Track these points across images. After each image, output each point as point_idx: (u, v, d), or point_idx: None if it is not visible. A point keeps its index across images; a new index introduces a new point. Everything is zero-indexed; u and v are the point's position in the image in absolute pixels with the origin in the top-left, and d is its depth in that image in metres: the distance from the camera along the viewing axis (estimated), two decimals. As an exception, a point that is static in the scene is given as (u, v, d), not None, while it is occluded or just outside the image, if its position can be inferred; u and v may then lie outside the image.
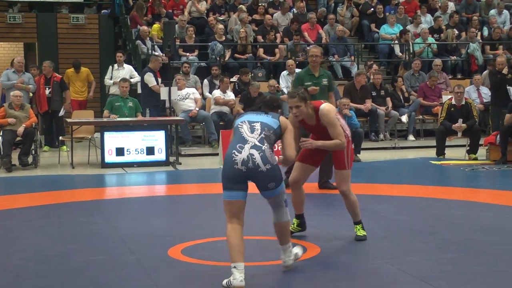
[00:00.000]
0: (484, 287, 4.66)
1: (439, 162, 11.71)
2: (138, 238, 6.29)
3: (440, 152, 12.38)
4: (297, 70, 14.70)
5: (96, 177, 10.74)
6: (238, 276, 4.57)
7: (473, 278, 4.87)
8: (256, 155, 4.80)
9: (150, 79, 13.15)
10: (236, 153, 4.83)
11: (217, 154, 12.36)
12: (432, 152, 12.57)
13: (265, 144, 4.85)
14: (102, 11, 18.51)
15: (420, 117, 14.83)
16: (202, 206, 8.12)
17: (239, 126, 4.96)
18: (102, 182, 10.43)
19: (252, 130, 4.90)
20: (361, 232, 6.02)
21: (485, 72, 15.55)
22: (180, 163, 11.88)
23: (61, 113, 13.42)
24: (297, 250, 5.20)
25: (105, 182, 10.50)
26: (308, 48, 9.35)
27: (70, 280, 4.95)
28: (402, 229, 6.56)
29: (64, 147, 13.07)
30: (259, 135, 4.87)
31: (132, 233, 6.52)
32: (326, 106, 5.82)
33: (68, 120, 12.29)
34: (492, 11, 18.69)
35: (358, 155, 12.40)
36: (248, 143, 4.84)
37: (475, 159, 12.00)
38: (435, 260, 5.36)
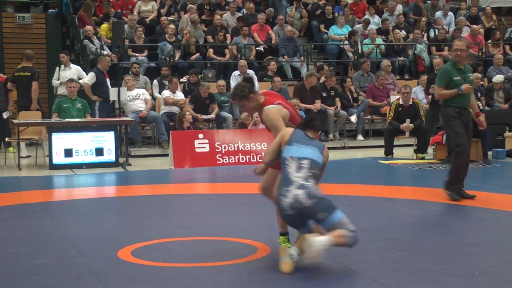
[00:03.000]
0: (431, 284, 4.73)
1: (388, 162, 11.86)
2: (87, 240, 6.22)
3: (389, 152, 12.56)
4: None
5: (43, 179, 10.58)
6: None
7: (420, 276, 4.94)
8: (301, 193, 4.94)
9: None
10: (283, 198, 4.97)
11: (167, 155, 12.30)
12: (381, 152, 12.74)
13: (310, 181, 5.01)
14: (49, 11, 18.20)
15: (369, 117, 15.01)
16: (152, 207, 8.06)
17: (286, 162, 5.07)
18: (50, 184, 10.28)
19: (300, 168, 5.03)
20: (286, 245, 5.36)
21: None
22: (130, 164, 11.79)
23: (6, 115, 13.16)
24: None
25: (53, 184, 10.36)
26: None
27: (17, 284, 4.86)
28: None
29: (11, 148, 12.84)
30: (306, 173, 5.02)
31: (81, 235, 6.45)
32: (266, 111, 5.41)
33: (15, 121, 12.08)
34: (438, 13, 19.07)
35: (308, 155, 12.49)
36: (293, 184, 4.98)
37: (423, 158, 12.20)
38: (383, 259, 5.43)
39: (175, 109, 13.70)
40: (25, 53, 13.61)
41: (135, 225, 7.01)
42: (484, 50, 17.72)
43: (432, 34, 18.15)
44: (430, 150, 12.46)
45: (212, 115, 13.60)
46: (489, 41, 18.37)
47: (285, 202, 4.94)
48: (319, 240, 4.84)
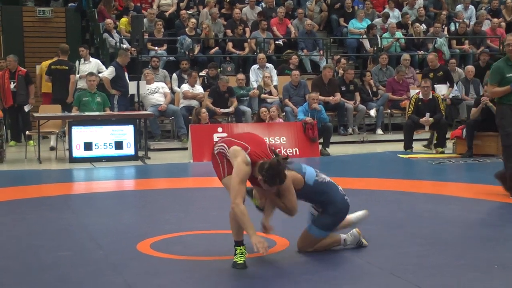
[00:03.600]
0: (450, 279, 4.72)
1: (407, 156, 11.81)
2: (106, 233, 6.25)
3: (408, 146, 12.50)
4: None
5: (64, 172, 10.65)
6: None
7: (439, 270, 4.93)
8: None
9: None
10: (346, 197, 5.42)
11: (186, 149, 12.33)
12: (400, 146, 12.68)
13: None
14: (69, 5, 18.32)
15: (388, 111, 14.94)
16: (171, 200, 8.10)
17: (323, 178, 5.34)
18: (70, 177, 10.35)
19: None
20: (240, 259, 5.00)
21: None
22: (149, 158, 11.84)
23: (27, 108, 13.29)
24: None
25: (73, 177, 10.42)
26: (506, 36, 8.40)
27: (38, 276, 4.91)
28: (370, 222, 6.59)
29: (31, 141, 12.94)
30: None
31: (100, 228, 6.49)
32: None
33: (35, 114, 12.16)
34: (459, 7, 18.93)
35: (327, 149, 12.48)
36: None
37: (442, 152, 12.13)
38: (402, 253, 5.41)
39: (194, 103, 13.72)
40: (61, 47, 13.74)
41: (154, 218, 7.04)
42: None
43: (452, 28, 18.02)
44: (450, 144, 12.38)
45: (231, 109, 13.61)
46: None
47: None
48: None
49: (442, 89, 14.27)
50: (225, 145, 5.02)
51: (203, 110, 12.63)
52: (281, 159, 4.89)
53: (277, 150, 5.09)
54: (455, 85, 15.02)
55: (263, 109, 12.66)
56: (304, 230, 5.40)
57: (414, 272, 4.86)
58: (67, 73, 13.30)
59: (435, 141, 12.49)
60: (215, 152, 5.10)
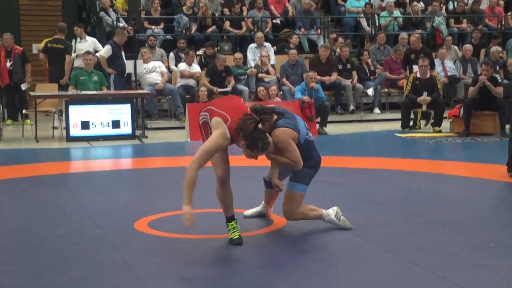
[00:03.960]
0: (447, 257, 4.73)
1: (404, 135, 11.82)
2: (104, 212, 6.26)
3: (405, 125, 12.51)
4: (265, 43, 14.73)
5: (61, 151, 10.64)
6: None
7: (437, 248, 4.94)
8: None
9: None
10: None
11: (183, 128, 12.32)
12: (398, 125, 12.68)
13: None
14: (66, -17, 18.20)
15: (386, 90, 14.92)
16: (169, 179, 8.09)
17: (309, 136, 5.35)
18: (67, 156, 10.34)
19: None
20: (234, 234, 5.10)
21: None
22: (146, 137, 11.83)
23: (24, 86, 13.24)
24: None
25: (70, 156, 10.41)
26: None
27: (35, 254, 4.91)
28: (367, 201, 6.62)
29: (28, 120, 12.91)
30: None
31: (98, 207, 6.49)
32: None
33: (32, 93, 12.11)
34: (457, -16, 18.84)
35: (324, 128, 12.48)
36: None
37: (439, 131, 12.14)
38: (400, 232, 5.42)
39: (191, 82, 13.68)
40: (58, 25, 13.67)
41: (151, 197, 7.04)
42: (503, 22, 17.51)
43: (451, 7, 17.95)
44: (447, 123, 12.39)
45: (229, 88, 13.58)
46: (509, 13, 18.14)
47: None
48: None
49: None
50: (208, 115, 4.98)
51: (202, 88, 12.61)
52: (259, 125, 4.88)
53: (267, 107, 5.20)
54: (452, 63, 15.02)
55: (261, 88, 12.63)
56: (286, 193, 5.37)
57: (412, 251, 4.87)
58: (63, 52, 13.25)
59: (432, 120, 12.49)
60: (200, 122, 5.08)
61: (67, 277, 4.39)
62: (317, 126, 12.39)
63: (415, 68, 13.40)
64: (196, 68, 13.91)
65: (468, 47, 15.27)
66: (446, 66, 15.04)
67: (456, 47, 16.03)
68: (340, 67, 14.45)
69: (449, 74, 14.86)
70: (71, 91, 12.12)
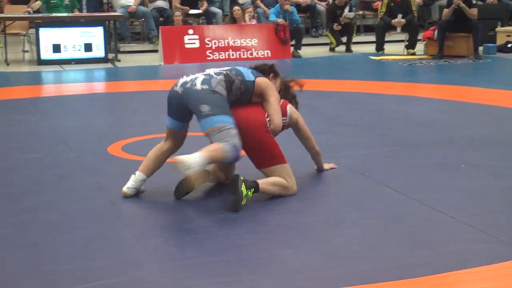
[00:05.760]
0: (419, 178, 4.80)
1: (378, 58, 11.81)
2: (77, 136, 6.23)
3: (380, 48, 12.49)
4: None
5: (32, 74, 10.50)
6: (128, 183, 4.46)
7: (408, 169, 5.01)
8: (200, 76, 4.34)
9: None
10: (182, 77, 4.44)
11: (156, 51, 12.19)
12: (372, 48, 12.66)
13: (219, 76, 4.33)
14: None
15: (360, 12, 14.80)
16: (142, 103, 8.05)
17: None
18: (38, 80, 10.22)
19: (218, 68, 4.48)
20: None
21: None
22: (119, 60, 11.70)
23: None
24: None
25: (42, 80, 10.29)
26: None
27: (8, 178, 4.90)
28: (341, 124, 6.66)
29: (-2, 43, 12.67)
30: (220, 70, 4.41)
31: (71, 130, 6.46)
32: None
33: (1, 15, 11.84)
34: None
35: (298, 51, 12.42)
36: (202, 72, 4.42)
37: (413, 54, 12.14)
38: (372, 154, 5.48)
39: (164, 4, 13.44)
40: None
41: (125, 121, 7.02)
42: None
43: None
44: (421, 45, 12.38)
45: (201, 10, 13.36)
46: None
47: (181, 80, 4.40)
48: (191, 161, 4.04)
49: None
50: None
51: (177, 13, 12.40)
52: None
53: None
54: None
55: (237, 7, 12.43)
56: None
57: (383, 172, 4.93)
58: None
59: (406, 43, 12.47)
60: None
61: (41, 200, 4.40)
62: (292, 48, 12.32)
63: None
64: (169, -11, 13.66)
65: (443, -33, 15.12)
66: (421, -12, 14.91)
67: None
68: (315, -12, 14.27)
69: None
70: (36, 6, 11.76)
